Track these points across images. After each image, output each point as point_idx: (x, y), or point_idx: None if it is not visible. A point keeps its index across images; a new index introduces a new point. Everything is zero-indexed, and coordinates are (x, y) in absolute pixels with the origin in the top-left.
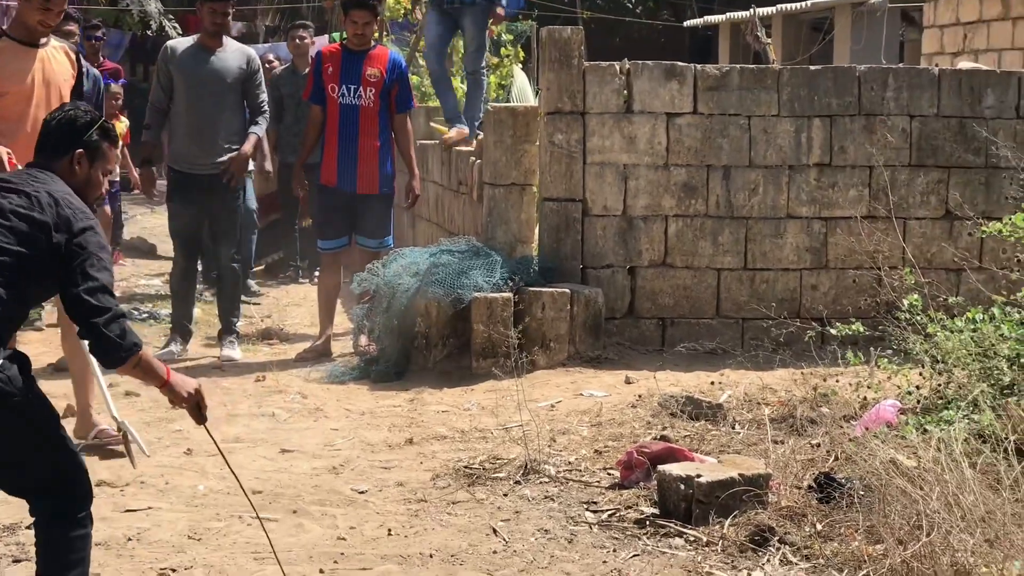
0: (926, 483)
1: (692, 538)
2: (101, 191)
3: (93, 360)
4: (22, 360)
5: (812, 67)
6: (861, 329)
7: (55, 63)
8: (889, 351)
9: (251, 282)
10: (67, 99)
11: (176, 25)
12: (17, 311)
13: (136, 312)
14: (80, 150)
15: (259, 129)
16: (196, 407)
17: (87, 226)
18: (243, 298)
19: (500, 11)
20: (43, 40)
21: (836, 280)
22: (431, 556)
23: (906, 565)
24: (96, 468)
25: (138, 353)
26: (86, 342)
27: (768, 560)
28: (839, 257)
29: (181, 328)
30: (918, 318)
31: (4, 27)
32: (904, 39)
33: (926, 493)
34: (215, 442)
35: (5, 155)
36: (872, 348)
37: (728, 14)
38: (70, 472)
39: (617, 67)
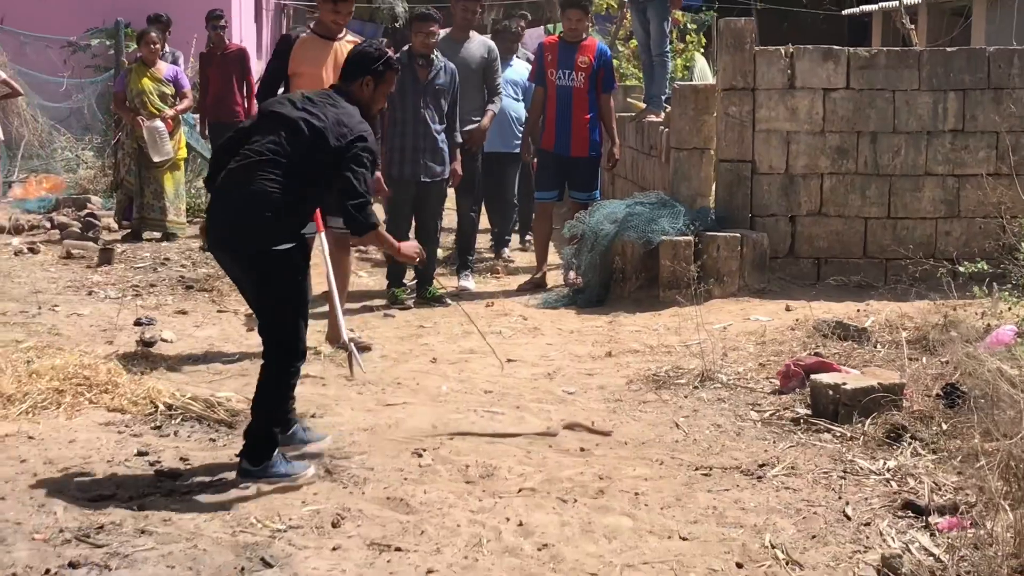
0: None
1: (838, 433)
2: (383, 105)
3: (335, 291)
4: (307, 254)
5: (948, 49)
6: (986, 267)
7: (346, 54)
8: (1008, 286)
9: (506, 250)
10: None
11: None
12: (299, 201)
13: None
14: (368, 76)
15: (495, 107)
16: (422, 258)
17: (357, 137)
18: (502, 261)
19: None
20: (339, 35)
21: (967, 227)
22: (626, 443)
23: (1010, 455)
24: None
25: (376, 229)
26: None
27: (901, 452)
28: (969, 208)
29: None
30: None
31: (310, 26)
32: None
33: None
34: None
35: None
36: (995, 284)
37: (880, 3)
38: (282, 335)
39: (782, 51)
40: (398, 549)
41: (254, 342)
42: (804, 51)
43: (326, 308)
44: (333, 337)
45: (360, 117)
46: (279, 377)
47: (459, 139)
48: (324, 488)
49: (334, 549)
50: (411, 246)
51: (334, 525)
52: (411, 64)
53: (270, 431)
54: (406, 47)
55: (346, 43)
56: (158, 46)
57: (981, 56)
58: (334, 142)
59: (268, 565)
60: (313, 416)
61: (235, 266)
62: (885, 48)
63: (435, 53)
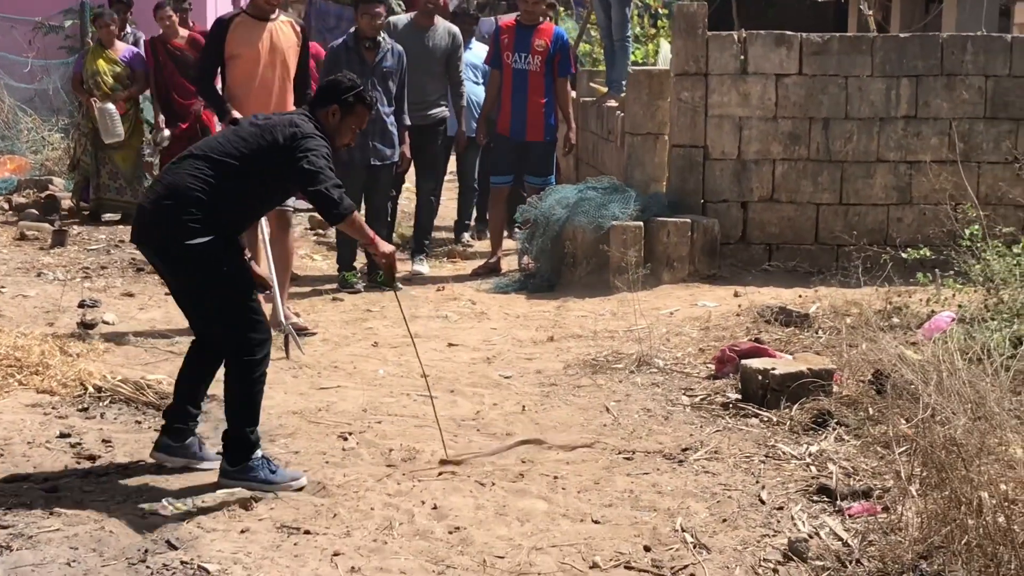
0: (927, 373)
1: (765, 418)
2: (348, 141)
3: (274, 277)
4: (234, 245)
5: (901, 35)
6: (928, 254)
7: (281, 34)
8: (951, 272)
9: (465, 234)
10: (291, 64)
11: (401, 2)
12: (226, 198)
13: None
14: (335, 105)
15: (461, 100)
16: (390, 268)
17: (306, 137)
18: (460, 245)
19: None
20: (272, 15)
21: (918, 214)
22: (554, 427)
23: (916, 442)
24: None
25: (353, 213)
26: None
27: (825, 438)
28: (921, 194)
29: None
30: (978, 246)
31: (243, 6)
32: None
33: (926, 380)
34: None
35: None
36: (937, 270)
37: None
38: (227, 333)
39: (735, 36)
40: (307, 532)
41: None
42: (757, 36)
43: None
44: (273, 320)
45: (316, 130)
46: (240, 376)
47: (407, 121)
48: None
49: (242, 532)
50: (387, 245)
51: (246, 508)
52: (358, 47)
53: (243, 433)
54: (352, 29)
55: (281, 23)
56: (114, 27)
57: (934, 42)
58: (281, 139)
59: (173, 547)
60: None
61: (156, 262)
62: (838, 34)
63: (382, 35)
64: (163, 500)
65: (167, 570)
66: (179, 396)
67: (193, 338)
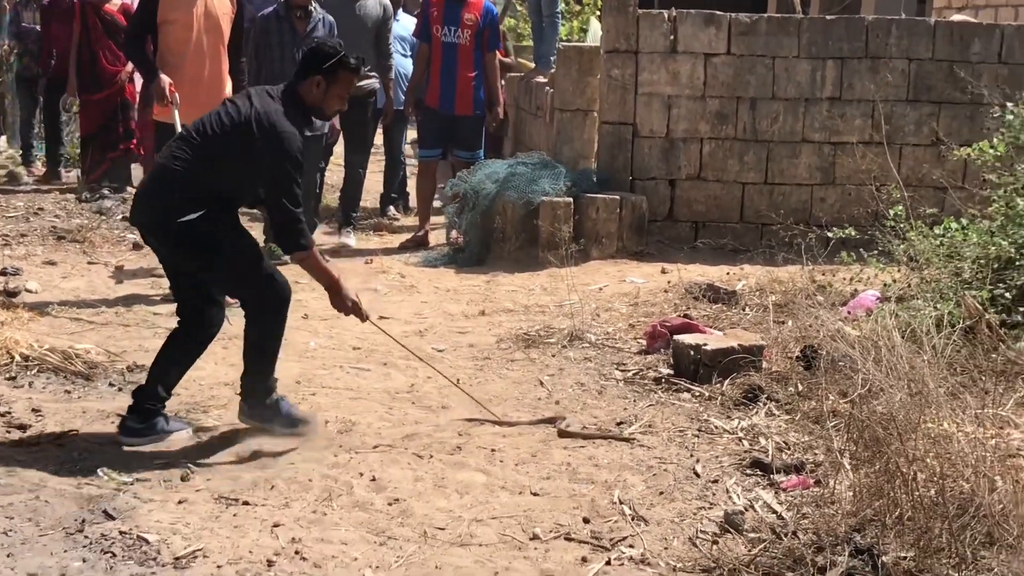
0: (864, 348)
1: (697, 393)
2: (339, 107)
3: None
4: (229, 216)
5: (828, 17)
6: (853, 233)
7: (216, 0)
8: (875, 252)
9: (391, 208)
10: (226, 31)
11: None
12: (206, 177)
13: None
14: (319, 76)
15: (390, 72)
16: (357, 313)
17: (282, 151)
18: (387, 219)
19: None
20: None
21: (841, 194)
22: (490, 400)
23: (849, 414)
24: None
25: (308, 251)
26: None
27: (756, 412)
28: (844, 175)
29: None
30: (902, 226)
31: None
32: None
33: (863, 355)
34: (378, 326)
35: (167, 85)
36: (862, 250)
37: None
38: (250, 287)
39: (665, 14)
40: (246, 503)
41: (120, 294)
42: (687, 15)
43: None
44: None
45: (288, 123)
46: (257, 325)
47: None
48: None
49: (180, 503)
50: (352, 299)
51: (183, 479)
52: (288, 16)
53: (257, 378)
54: None
55: None
56: None
57: (860, 25)
58: (256, 132)
59: (110, 517)
60: None
61: (152, 242)
62: (766, 15)
63: (313, 5)
64: (98, 470)
65: (105, 540)
66: (152, 377)
67: (178, 319)
